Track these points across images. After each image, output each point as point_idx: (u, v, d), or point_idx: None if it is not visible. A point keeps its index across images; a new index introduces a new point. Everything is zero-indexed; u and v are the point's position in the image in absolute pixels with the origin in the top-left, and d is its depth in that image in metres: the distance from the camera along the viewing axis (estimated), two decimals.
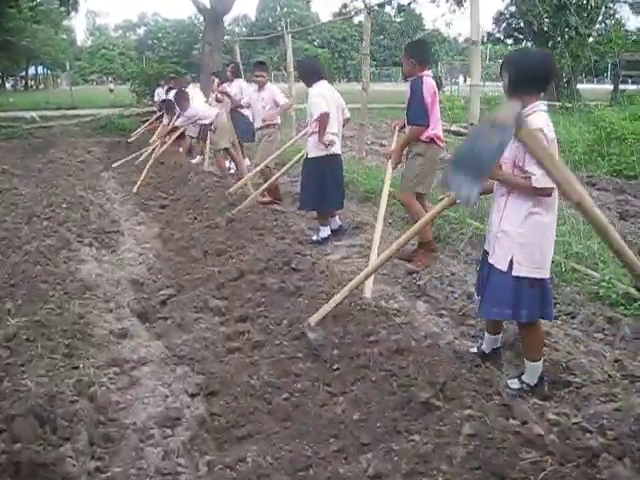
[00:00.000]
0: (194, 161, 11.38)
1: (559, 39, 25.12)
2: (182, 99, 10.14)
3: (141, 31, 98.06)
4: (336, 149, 6.66)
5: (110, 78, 79.48)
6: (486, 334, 4.02)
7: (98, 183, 10.44)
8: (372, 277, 4.88)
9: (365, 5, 9.32)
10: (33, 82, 72.06)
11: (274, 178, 7.66)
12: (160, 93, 17.37)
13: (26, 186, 9.77)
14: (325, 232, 6.69)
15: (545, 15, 24.62)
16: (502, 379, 3.80)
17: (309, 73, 6.68)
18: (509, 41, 39.25)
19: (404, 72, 5.87)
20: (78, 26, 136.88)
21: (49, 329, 4.01)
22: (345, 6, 35.78)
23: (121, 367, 3.96)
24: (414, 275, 5.60)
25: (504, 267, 3.46)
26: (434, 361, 3.57)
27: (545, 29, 27.08)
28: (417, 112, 5.62)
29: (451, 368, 3.51)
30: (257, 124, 8.46)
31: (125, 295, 5.27)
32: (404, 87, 6.43)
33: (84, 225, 6.97)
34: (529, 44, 41.30)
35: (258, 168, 7.90)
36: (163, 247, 6.64)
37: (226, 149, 9.79)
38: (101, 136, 18.15)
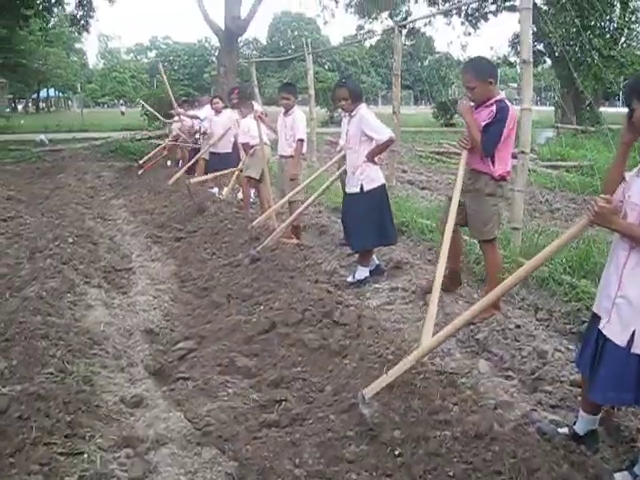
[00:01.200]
0: (213, 190, 10.68)
1: (581, 61, 24.46)
2: (245, 104, 9.48)
3: (152, 54, 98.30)
4: None
5: (121, 101, 79.52)
6: (582, 413, 3.26)
7: (108, 212, 9.79)
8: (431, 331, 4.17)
9: (395, 23, 8.70)
10: (44, 105, 72.04)
11: (302, 208, 6.90)
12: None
13: (32, 214, 9.13)
14: (364, 273, 5.96)
15: (568, 37, 23.98)
16: (606, 471, 3.05)
17: (359, 92, 6.01)
18: None
19: (475, 97, 4.91)
20: (90, 49, 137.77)
21: (47, 402, 3.29)
22: (360, 28, 35.32)
23: (135, 448, 3.23)
24: (470, 326, 4.87)
25: (622, 342, 2.74)
26: (523, 451, 2.85)
27: (567, 51, 26.43)
28: (493, 139, 4.82)
29: (546, 461, 2.78)
30: (281, 151, 7.76)
31: (138, 349, 4.56)
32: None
33: (92, 262, 6.27)
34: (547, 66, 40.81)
35: (284, 199, 7.19)
36: (180, 288, 5.95)
37: (256, 181, 9.07)
38: (112, 160, 17.58)
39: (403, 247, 7.16)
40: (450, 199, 4.95)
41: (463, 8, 32.74)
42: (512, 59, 38.37)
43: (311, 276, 5.45)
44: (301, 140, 7.58)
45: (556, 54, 27.41)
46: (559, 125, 22.95)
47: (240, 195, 10.74)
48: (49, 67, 53.63)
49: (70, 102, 79.24)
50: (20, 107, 68.75)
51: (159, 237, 7.92)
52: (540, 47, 36.41)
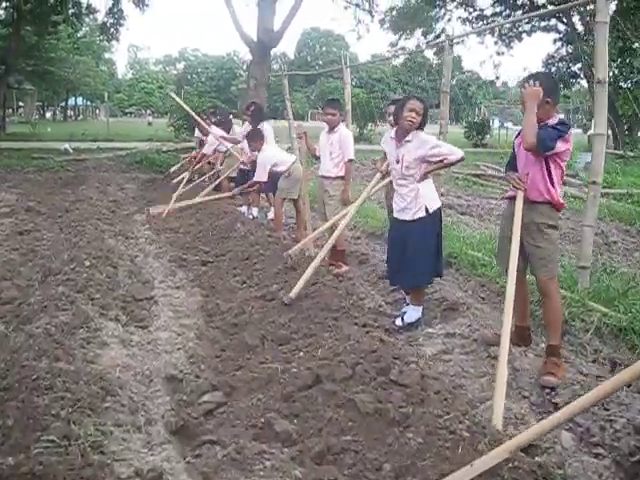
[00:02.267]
0: (242, 209, 10.02)
1: (621, 84, 23.70)
2: (255, 138, 8.89)
3: (181, 66, 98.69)
4: None
5: (149, 111, 79.70)
6: None
7: (130, 229, 9.17)
8: (503, 400, 3.49)
9: (447, 37, 8.06)
10: (72, 113, 72.28)
11: (342, 225, 6.21)
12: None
13: (50, 229, 8.57)
14: (416, 314, 5.24)
15: (609, 59, 23.20)
16: None
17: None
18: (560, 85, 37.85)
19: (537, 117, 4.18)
20: (119, 59, 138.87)
21: None
22: (393, 45, 34.77)
23: None
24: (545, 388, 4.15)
25: None
26: None
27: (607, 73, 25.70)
28: (550, 135, 4.14)
29: None
30: (324, 172, 7.11)
31: (158, 400, 3.91)
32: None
33: (110, 290, 5.62)
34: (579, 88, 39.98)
35: (327, 224, 6.52)
36: (207, 323, 5.29)
37: (294, 200, 8.42)
38: (136, 172, 17.08)
39: (453, 282, 6.47)
40: (507, 238, 4.34)
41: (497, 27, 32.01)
42: None
43: (358, 318, 4.76)
44: (351, 160, 6.95)
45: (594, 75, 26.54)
46: None
47: (270, 215, 10.11)
48: (78, 76, 53.59)
49: (98, 111, 79.39)
50: (48, 115, 69.02)
51: (184, 260, 7.29)
52: (575, 68, 35.84)
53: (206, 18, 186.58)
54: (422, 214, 5.13)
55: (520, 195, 4.31)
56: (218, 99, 59.03)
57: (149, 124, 51.73)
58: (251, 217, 9.56)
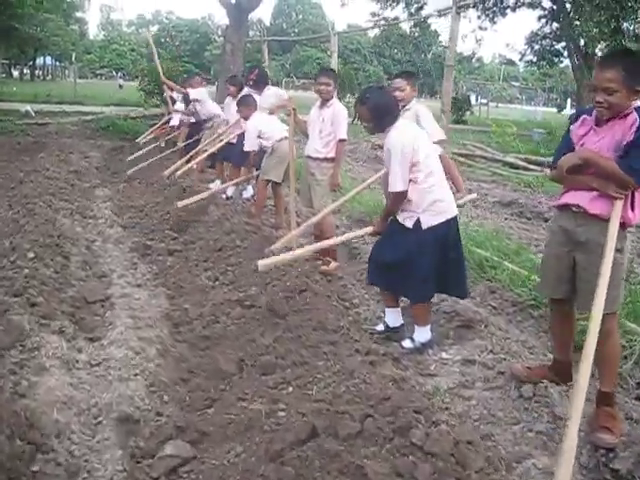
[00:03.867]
0: (212, 186, 9.00)
1: None
2: (246, 104, 7.78)
3: (154, 28, 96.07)
4: None
5: (120, 74, 77.57)
6: None
7: (89, 206, 8.18)
8: None
9: (454, 3, 7.14)
10: (41, 73, 69.85)
11: (323, 214, 5.35)
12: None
13: None
14: (426, 334, 4.37)
15: (600, 38, 22.32)
16: None
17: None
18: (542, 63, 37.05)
19: (612, 105, 3.21)
20: (91, 20, 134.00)
21: None
22: (374, 14, 33.65)
23: None
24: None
25: None
26: None
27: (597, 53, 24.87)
28: None
29: None
30: (311, 151, 6.15)
31: (106, 455, 3.02)
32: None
33: (57, 290, 4.65)
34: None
35: (317, 218, 5.58)
36: (172, 335, 4.38)
37: (274, 183, 7.40)
38: (102, 139, 15.94)
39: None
40: (556, 258, 3.50)
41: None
42: (529, 57, 36.79)
43: (360, 342, 3.88)
44: (343, 140, 5.98)
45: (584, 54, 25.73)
46: None
47: (245, 194, 9.18)
48: (46, 34, 51.49)
49: (67, 72, 76.87)
50: (16, 74, 66.54)
51: (148, 248, 6.34)
52: (558, 47, 35.09)
53: None
54: (409, 224, 4.28)
55: (618, 206, 3.23)
56: (192, 64, 57.43)
57: (120, 87, 49.98)
58: (224, 196, 8.61)
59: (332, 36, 10.39)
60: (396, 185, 4.16)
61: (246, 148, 7.38)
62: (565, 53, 33.21)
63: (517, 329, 4.78)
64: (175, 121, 12.60)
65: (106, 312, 4.60)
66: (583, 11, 21.32)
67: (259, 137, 7.27)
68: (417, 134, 4.30)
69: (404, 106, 5.52)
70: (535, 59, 37.01)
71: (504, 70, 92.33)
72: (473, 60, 71.96)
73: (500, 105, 63.51)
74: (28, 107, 19.53)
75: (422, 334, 4.33)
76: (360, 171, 12.37)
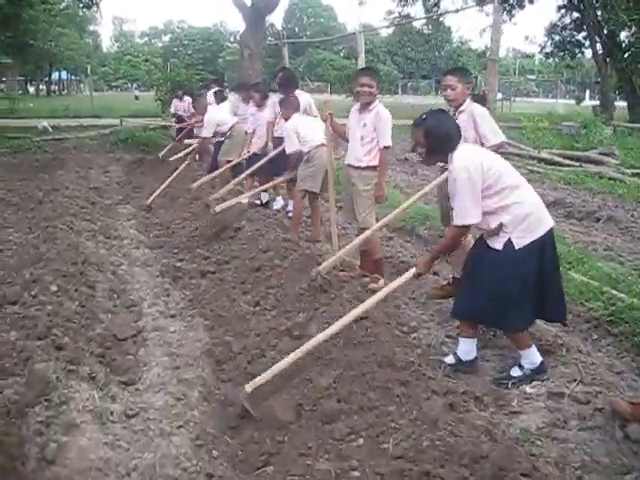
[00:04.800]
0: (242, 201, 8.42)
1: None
2: (288, 105, 7.18)
3: (167, 38, 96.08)
4: None
5: (135, 85, 77.64)
6: None
7: (113, 225, 7.74)
8: None
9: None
10: (57, 87, 69.97)
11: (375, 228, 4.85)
12: (177, 105, 15.06)
13: (18, 226, 7.17)
14: (534, 357, 3.81)
15: (631, 24, 21.64)
16: None
17: None
18: (561, 54, 36.25)
19: None
20: (104, 32, 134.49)
21: None
22: (390, 12, 33.14)
23: None
24: None
25: None
26: None
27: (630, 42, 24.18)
28: None
29: None
30: (352, 160, 5.57)
31: None
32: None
33: (84, 326, 4.19)
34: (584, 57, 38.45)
35: (364, 235, 5.04)
36: (215, 375, 3.89)
37: (311, 194, 6.92)
38: (121, 152, 15.48)
39: None
40: None
41: None
42: (549, 49, 36.03)
43: (434, 379, 3.35)
44: (388, 147, 5.45)
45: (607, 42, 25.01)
46: (616, 123, 20.66)
47: (276, 205, 8.68)
48: (60, 48, 51.48)
49: (82, 85, 76.99)
50: (32, 90, 66.66)
51: (179, 270, 5.87)
52: (579, 37, 34.33)
53: None
54: (498, 246, 3.73)
55: None
56: (205, 71, 57.15)
57: (136, 98, 49.75)
58: (258, 202, 8.11)
59: (358, 35, 9.85)
60: (466, 217, 3.64)
61: (288, 151, 6.87)
62: (587, 43, 32.52)
63: (596, 350, 4.24)
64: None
65: (139, 350, 4.13)
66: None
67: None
68: (483, 155, 3.78)
69: (457, 107, 4.97)
70: (556, 50, 36.29)
71: (519, 64, 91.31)
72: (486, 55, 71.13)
73: (517, 99, 62.60)
74: (45, 123, 19.18)
75: (530, 358, 3.81)
76: (390, 174, 11.82)
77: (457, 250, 4.51)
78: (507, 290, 3.65)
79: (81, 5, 21.26)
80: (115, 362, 3.86)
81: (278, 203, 8.79)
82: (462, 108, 4.93)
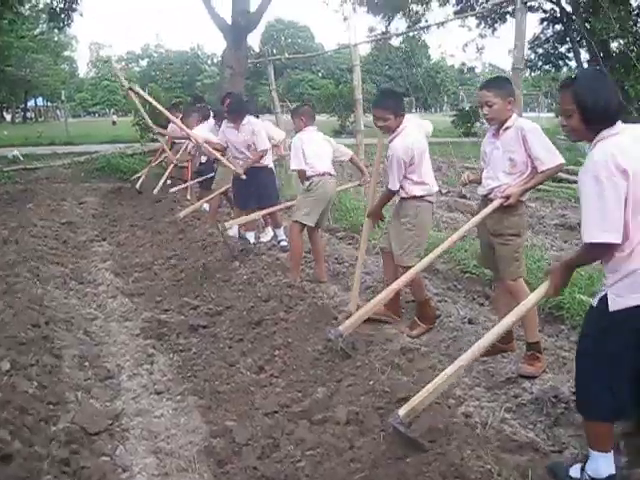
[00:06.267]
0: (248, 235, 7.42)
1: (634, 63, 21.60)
2: (298, 115, 6.21)
3: (144, 63, 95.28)
4: None
5: (113, 110, 76.71)
6: None
7: (86, 267, 6.81)
8: None
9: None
10: (33, 114, 68.84)
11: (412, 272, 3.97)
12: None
13: None
14: (605, 465, 2.75)
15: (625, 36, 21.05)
16: None
17: None
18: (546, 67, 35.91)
19: None
20: (81, 58, 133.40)
21: None
22: (371, 30, 32.54)
23: None
24: None
25: None
26: None
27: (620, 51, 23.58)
28: None
29: None
30: None
31: None
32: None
33: (43, 420, 3.23)
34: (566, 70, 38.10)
35: (402, 280, 4.12)
36: (215, 477, 2.97)
37: (309, 228, 6.02)
38: (97, 181, 14.59)
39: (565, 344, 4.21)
40: None
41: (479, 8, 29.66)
42: (532, 63, 35.61)
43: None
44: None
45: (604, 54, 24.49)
46: None
47: (264, 238, 7.84)
48: (35, 75, 50.61)
49: (59, 112, 76.00)
50: (8, 117, 65.39)
51: (163, 325, 4.93)
52: (562, 49, 33.94)
53: (169, 11, 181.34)
54: (594, 301, 2.77)
55: None
56: (184, 94, 56.34)
57: (114, 123, 48.77)
58: (250, 241, 7.20)
59: (352, 48, 9.03)
60: (598, 235, 2.54)
61: (292, 167, 5.97)
62: (571, 55, 32.22)
63: None
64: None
65: (116, 448, 3.17)
66: (597, 7, 20.17)
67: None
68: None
69: (501, 125, 4.08)
70: (539, 64, 36.07)
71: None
72: (465, 71, 70.69)
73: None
74: (15, 151, 18.22)
75: (597, 463, 2.79)
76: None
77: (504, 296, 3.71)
78: (590, 361, 2.73)
79: (52, 26, 20.15)
80: (85, 471, 2.90)
81: (267, 235, 7.93)
82: (508, 124, 4.03)
